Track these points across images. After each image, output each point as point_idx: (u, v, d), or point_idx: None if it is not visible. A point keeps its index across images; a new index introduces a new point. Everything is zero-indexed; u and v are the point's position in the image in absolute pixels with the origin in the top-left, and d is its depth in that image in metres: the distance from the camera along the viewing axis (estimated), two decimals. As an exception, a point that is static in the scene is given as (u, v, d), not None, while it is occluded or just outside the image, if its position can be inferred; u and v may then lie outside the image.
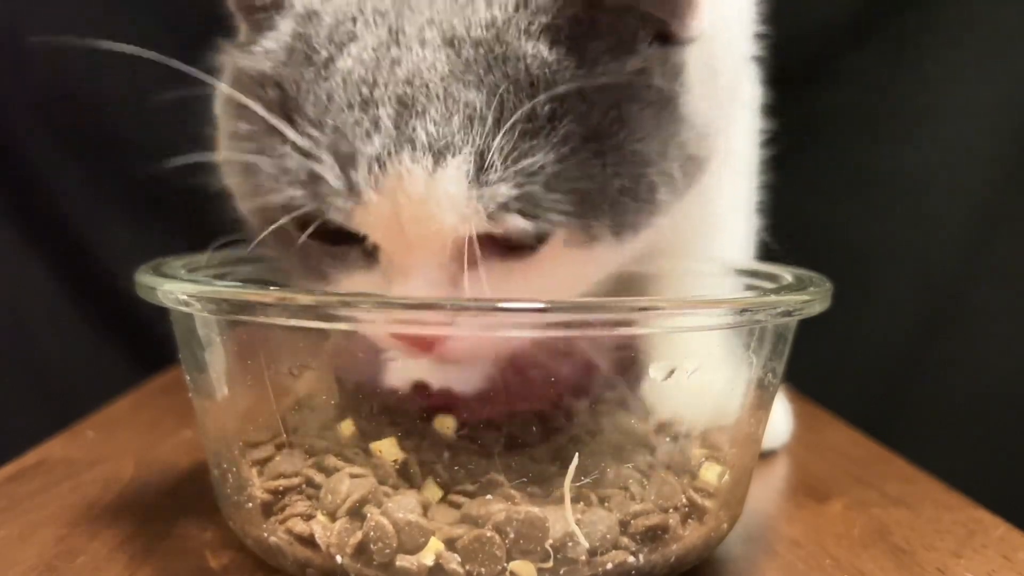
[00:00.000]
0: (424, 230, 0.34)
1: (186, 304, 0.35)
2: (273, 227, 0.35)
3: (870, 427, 0.65)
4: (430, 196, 0.33)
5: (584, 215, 0.35)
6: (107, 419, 0.64)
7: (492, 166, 0.33)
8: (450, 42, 0.34)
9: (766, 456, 0.57)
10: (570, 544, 0.34)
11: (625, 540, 0.35)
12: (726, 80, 0.42)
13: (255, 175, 0.36)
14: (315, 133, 0.34)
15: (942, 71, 0.82)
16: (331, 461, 0.37)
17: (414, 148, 0.33)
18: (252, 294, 0.33)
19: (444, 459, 0.37)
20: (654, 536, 0.36)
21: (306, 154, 0.34)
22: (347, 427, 0.39)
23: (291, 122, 0.35)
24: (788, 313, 0.36)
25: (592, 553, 0.34)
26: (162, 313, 0.38)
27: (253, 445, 0.39)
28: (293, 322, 0.32)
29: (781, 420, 0.58)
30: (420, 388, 0.42)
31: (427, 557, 0.33)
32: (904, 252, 0.84)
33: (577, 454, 0.35)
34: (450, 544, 0.34)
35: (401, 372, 0.41)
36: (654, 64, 0.36)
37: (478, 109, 0.33)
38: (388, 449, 0.37)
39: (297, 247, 0.37)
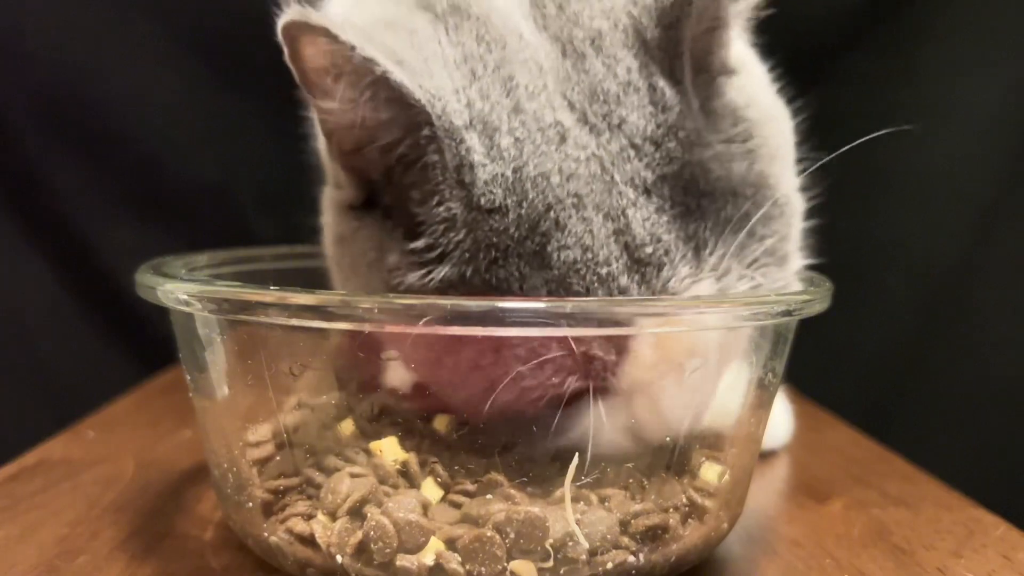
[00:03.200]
0: (685, 357, 0.36)
1: (186, 304, 0.35)
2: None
3: (870, 427, 0.65)
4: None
5: (788, 260, 0.39)
6: (107, 419, 0.64)
7: (730, 272, 0.36)
8: (648, 192, 0.36)
9: (766, 456, 0.57)
10: (570, 544, 0.34)
11: (625, 540, 0.35)
12: (758, 71, 0.44)
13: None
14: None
15: (942, 71, 0.82)
16: (331, 461, 0.37)
17: (668, 294, 0.36)
18: (252, 294, 0.33)
19: (444, 459, 0.37)
20: (654, 536, 0.36)
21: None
22: (347, 427, 0.39)
23: None
24: (788, 313, 0.36)
25: (592, 553, 0.34)
26: (162, 313, 0.38)
27: (253, 445, 0.39)
28: (293, 322, 0.32)
29: (782, 420, 0.58)
30: (420, 388, 0.42)
31: (427, 557, 0.33)
32: (904, 252, 0.84)
33: (577, 454, 0.35)
34: (450, 544, 0.34)
35: (402, 371, 0.41)
36: (740, 102, 0.39)
37: (701, 235, 0.36)
38: (389, 449, 0.37)
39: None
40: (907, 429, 0.76)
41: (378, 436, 0.37)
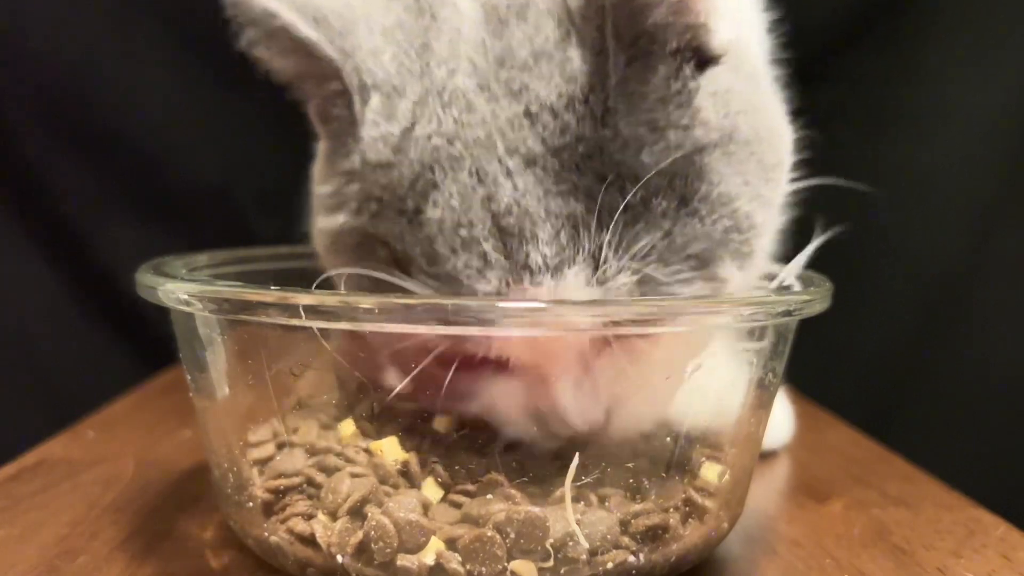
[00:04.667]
0: (558, 340, 0.35)
1: (187, 304, 0.35)
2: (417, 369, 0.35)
3: (870, 427, 0.65)
4: None
5: (704, 269, 0.36)
6: (107, 419, 0.64)
7: (606, 262, 0.34)
8: (532, 161, 0.35)
9: (766, 456, 0.57)
10: (570, 544, 0.34)
11: (625, 540, 0.35)
12: (766, 82, 0.42)
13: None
14: (432, 283, 0.35)
15: (942, 71, 0.82)
16: (332, 461, 0.37)
17: (531, 272, 0.34)
18: (252, 294, 0.33)
19: (444, 459, 0.37)
20: (654, 536, 0.36)
21: None
22: (347, 427, 0.39)
23: (408, 274, 0.36)
24: (788, 313, 0.36)
25: (592, 553, 0.34)
26: (162, 313, 0.38)
27: (253, 445, 0.39)
28: (294, 322, 0.32)
29: (782, 421, 0.58)
30: (420, 388, 0.42)
31: (428, 556, 0.33)
32: (904, 252, 0.84)
33: (577, 454, 0.35)
34: (451, 544, 0.34)
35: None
36: (706, 103, 0.36)
37: (580, 216, 0.34)
38: (389, 449, 0.37)
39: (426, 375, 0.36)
40: (907, 429, 0.76)
41: (378, 436, 0.37)
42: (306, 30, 0.36)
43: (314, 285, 0.37)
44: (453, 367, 0.35)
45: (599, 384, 0.36)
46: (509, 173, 0.35)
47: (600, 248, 0.34)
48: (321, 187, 0.40)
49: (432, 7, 0.38)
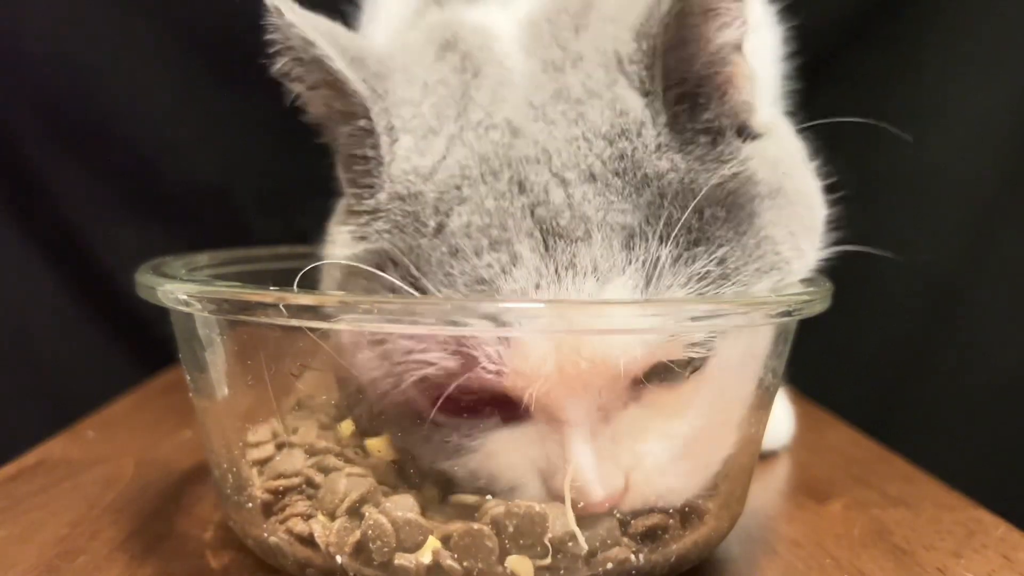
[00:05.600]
0: (592, 366, 0.32)
1: (186, 304, 0.35)
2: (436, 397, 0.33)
3: (870, 427, 0.65)
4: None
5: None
6: (107, 419, 0.64)
7: (662, 275, 0.33)
8: (592, 177, 0.34)
9: (766, 456, 0.57)
10: (570, 543, 0.34)
11: (625, 540, 0.35)
12: (798, 151, 0.42)
13: (390, 355, 0.34)
14: (446, 292, 0.34)
15: (942, 71, 0.82)
16: (331, 461, 0.37)
17: (574, 274, 0.33)
18: (252, 294, 0.33)
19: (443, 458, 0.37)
20: (654, 536, 0.35)
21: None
22: (347, 427, 0.39)
23: (420, 291, 0.34)
24: (788, 313, 0.36)
25: (591, 553, 0.34)
26: (162, 313, 0.38)
27: (253, 445, 0.39)
28: (293, 322, 0.32)
29: (782, 421, 0.58)
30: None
31: (425, 555, 0.33)
32: (904, 252, 0.84)
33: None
34: (447, 542, 0.34)
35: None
36: (755, 158, 0.37)
37: (638, 228, 0.34)
38: (388, 449, 0.37)
39: (426, 425, 0.35)
40: (907, 429, 0.75)
41: (378, 436, 0.37)
42: (340, 64, 0.36)
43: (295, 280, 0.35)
44: (465, 409, 0.34)
45: (620, 439, 0.34)
46: (564, 183, 0.34)
47: (656, 261, 0.33)
48: (342, 227, 0.39)
49: (476, 67, 0.39)
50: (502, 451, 0.35)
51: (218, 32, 0.87)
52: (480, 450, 0.35)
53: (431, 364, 0.33)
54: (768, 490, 0.52)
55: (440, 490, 0.36)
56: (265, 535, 0.37)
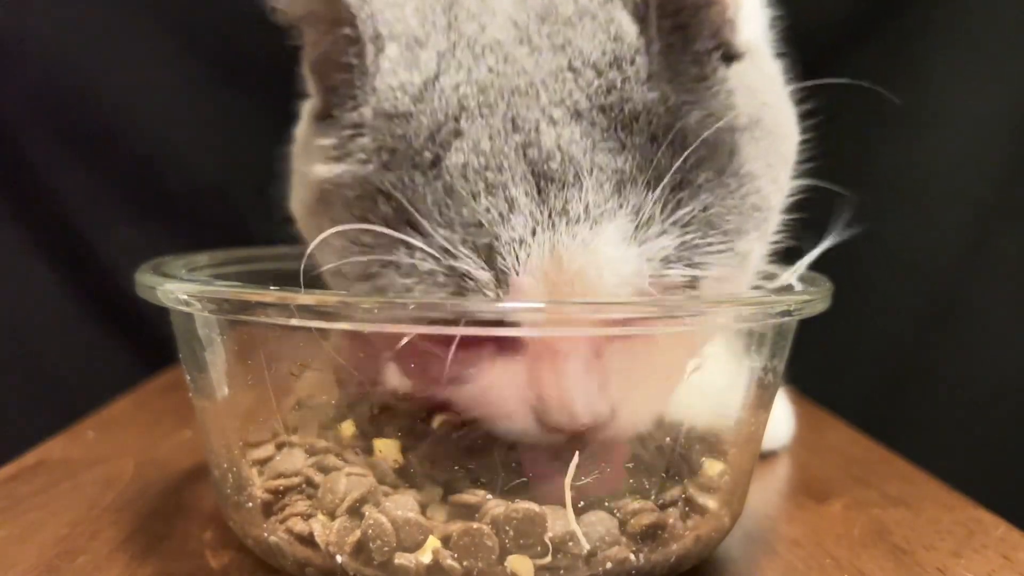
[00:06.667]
0: (571, 319, 0.33)
1: (186, 304, 0.35)
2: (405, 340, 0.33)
3: (870, 427, 0.65)
4: (590, 263, 0.33)
5: (733, 242, 0.36)
6: (107, 419, 0.64)
7: (652, 221, 0.33)
8: (578, 115, 0.34)
9: (766, 456, 0.57)
10: (570, 543, 0.34)
11: (625, 539, 0.35)
12: (780, 83, 0.42)
13: (382, 287, 0.35)
14: (444, 232, 0.34)
15: (942, 71, 0.82)
16: (331, 461, 0.37)
17: (567, 220, 0.33)
18: (252, 294, 0.33)
19: (443, 459, 0.37)
20: (653, 535, 0.36)
21: (443, 252, 0.33)
22: (348, 427, 0.39)
23: (415, 228, 0.34)
24: (788, 313, 0.36)
25: (592, 552, 0.34)
26: (162, 313, 0.38)
27: (253, 445, 0.39)
28: (294, 322, 0.32)
29: (782, 421, 0.58)
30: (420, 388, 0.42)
31: (425, 555, 0.33)
32: (904, 252, 0.84)
33: (577, 453, 0.35)
34: (447, 541, 0.34)
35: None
36: (736, 86, 0.37)
37: (628, 172, 0.33)
38: (389, 449, 0.37)
39: (422, 357, 0.35)
40: (907, 429, 0.75)
41: (378, 436, 0.37)
42: None
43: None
44: (454, 344, 0.33)
45: (608, 373, 0.35)
46: (553, 122, 0.34)
47: (645, 207, 0.33)
48: (319, 140, 0.38)
49: None
50: (496, 383, 0.35)
51: (218, 32, 0.87)
52: (475, 380, 0.35)
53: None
54: (768, 490, 0.52)
55: (440, 490, 0.36)
56: (265, 535, 0.37)
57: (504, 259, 0.33)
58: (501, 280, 0.33)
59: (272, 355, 0.37)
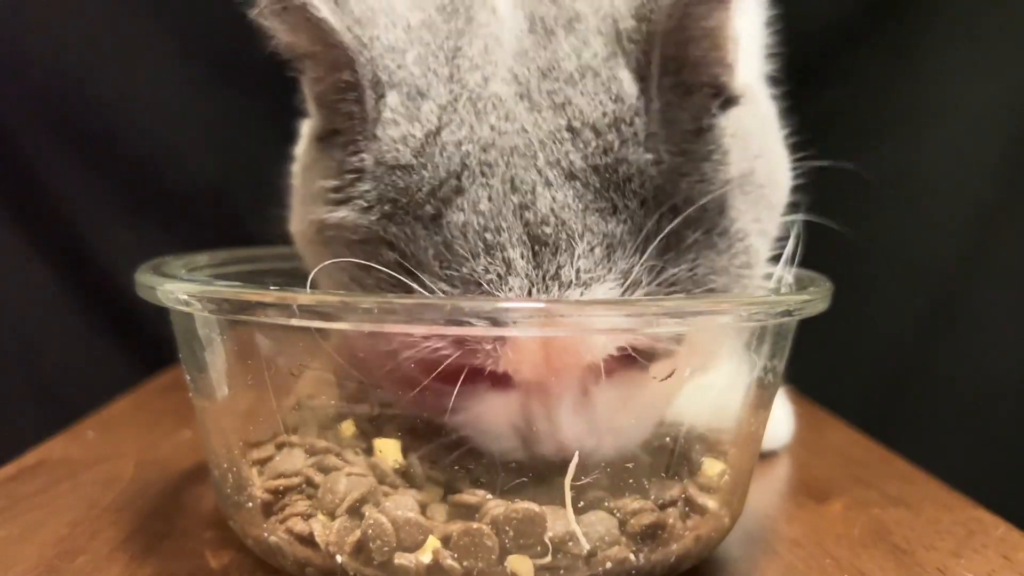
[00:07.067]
0: (574, 355, 0.34)
1: (186, 304, 0.35)
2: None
3: (870, 427, 0.65)
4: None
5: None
6: (107, 419, 0.64)
7: (638, 284, 0.34)
8: (572, 176, 0.34)
9: (766, 456, 0.57)
10: (570, 543, 0.34)
11: (624, 539, 0.35)
12: (774, 127, 0.43)
13: (383, 338, 0.35)
14: (444, 287, 0.34)
15: (942, 71, 0.82)
16: (331, 461, 0.37)
17: (561, 284, 0.34)
18: (252, 294, 0.33)
19: (443, 459, 0.37)
20: (653, 535, 0.36)
21: None
22: (348, 427, 0.39)
23: (415, 279, 0.35)
24: (788, 313, 0.36)
25: (592, 552, 0.34)
26: (162, 313, 0.38)
27: (253, 445, 0.39)
28: (293, 322, 0.32)
29: (782, 421, 0.58)
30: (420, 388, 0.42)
31: (425, 555, 0.33)
32: (904, 252, 0.84)
33: (577, 453, 0.35)
34: (447, 542, 0.34)
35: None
36: (732, 140, 0.37)
37: (618, 236, 0.34)
38: (389, 450, 0.37)
39: (417, 389, 0.36)
40: (907, 429, 0.76)
41: (378, 436, 0.37)
42: (325, 11, 0.35)
43: (308, 282, 0.37)
44: (458, 380, 0.34)
45: (596, 408, 0.36)
46: (548, 184, 0.34)
47: (631, 270, 0.34)
48: (321, 181, 0.38)
49: (468, 9, 0.38)
50: (488, 414, 0.37)
51: (218, 32, 0.87)
52: (469, 411, 0.36)
53: (428, 349, 0.34)
54: (768, 490, 0.52)
55: (440, 490, 0.36)
56: (265, 535, 0.37)
57: (501, 320, 0.33)
58: (498, 339, 0.33)
59: (272, 355, 0.37)
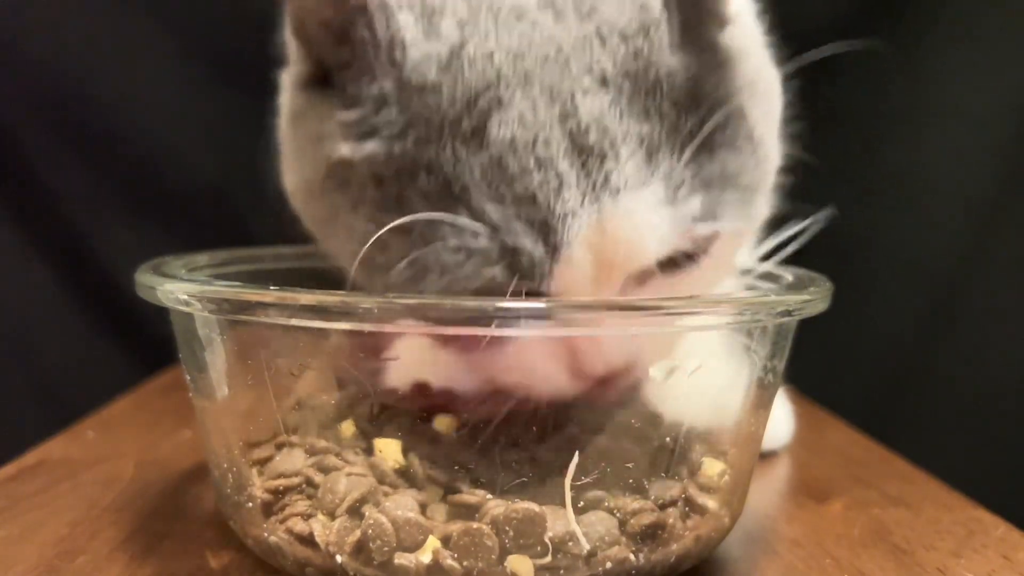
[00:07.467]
0: (623, 266, 0.35)
1: (186, 304, 0.35)
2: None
3: (870, 427, 0.65)
4: (634, 231, 0.34)
5: (752, 197, 0.38)
6: (107, 419, 0.64)
7: (681, 184, 0.35)
8: (605, 82, 0.35)
9: (766, 456, 0.57)
10: (570, 543, 0.34)
11: (624, 539, 0.35)
12: (761, 42, 0.43)
13: (418, 266, 0.35)
14: (495, 207, 0.34)
15: (942, 71, 0.82)
16: (331, 461, 0.37)
17: (609, 191, 0.34)
18: (252, 294, 0.33)
19: (444, 459, 0.37)
20: (653, 535, 0.36)
21: (494, 228, 0.34)
22: (348, 427, 0.39)
23: (461, 203, 0.34)
24: (788, 313, 0.36)
25: (592, 552, 0.34)
26: (162, 313, 0.38)
27: (253, 445, 0.39)
28: (294, 322, 0.32)
29: (783, 421, 0.58)
30: (420, 388, 0.42)
31: (425, 555, 0.33)
32: (904, 252, 0.84)
33: (577, 453, 0.35)
34: (447, 542, 0.34)
35: (402, 371, 0.41)
36: (735, 55, 0.38)
37: (656, 139, 0.34)
38: (389, 450, 0.37)
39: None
40: (907, 429, 0.75)
41: (378, 436, 0.37)
42: None
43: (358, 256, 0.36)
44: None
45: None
46: (585, 92, 0.34)
47: (675, 170, 0.34)
48: (341, 114, 0.37)
49: None
50: (532, 349, 0.37)
51: (218, 32, 0.87)
52: (513, 345, 0.36)
53: (483, 278, 0.34)
54: (768, 490, 0.52)
55: (440, 490, 0.36)
56: (265, 535, 0.37)
57: (557, 234, 0.34)
58: (554, 255, 0.34)
59: (272, 355, 0.37)
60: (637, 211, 0.34)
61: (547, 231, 0.34)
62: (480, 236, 0.34)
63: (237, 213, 0.90)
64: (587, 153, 0.34)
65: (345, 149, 0.37)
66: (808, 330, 0.40)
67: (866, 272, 0.81)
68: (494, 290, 0.34)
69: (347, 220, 0.37)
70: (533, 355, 0.37)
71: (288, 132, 0.42)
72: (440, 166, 0.34)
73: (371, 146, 0.36)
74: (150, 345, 0.86)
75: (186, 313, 0.37)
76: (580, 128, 0.34)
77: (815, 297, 0.37)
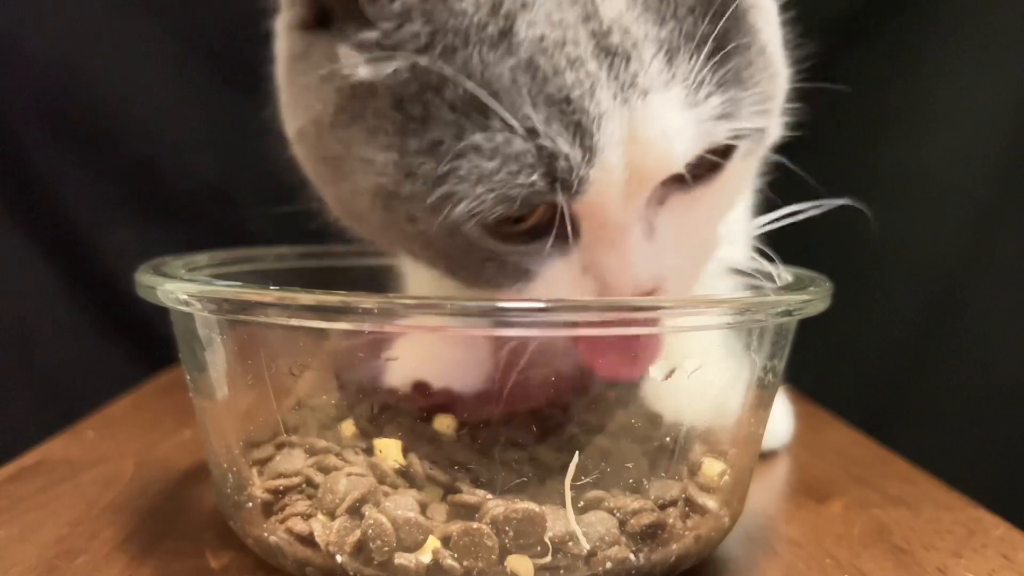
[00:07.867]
0: (654, 172, 0.35)
1: (186, 304, 0.35)
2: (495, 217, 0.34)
3: (870, 427, 0.65)
4: (662, 132, 0.34)
5: (767, 105, 0.38)
6: (107, 419, 0.64)
7: (703, 83, 0.35)
8: None
9: (766, 456, 0.57)
10: (570, 543, 0.34)
11: (624, 539, 0.35)
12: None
13: (450, 183, 0.34)
14: (529, 110, 0.33)
15: (942, 71, 0.82)
16: (331, 461, 0.37)
17: (637, 92, 0.34)
18: (252, 294, 0.33)
19: (444, 459, 0.37)
20: (653, 535, 0.36)
21: (529, 132, 0.33)
22: (348, 427, 0.39)
23: (494, 111, 0.33)
24: (788, 313, 0.36)
25: (591, 552, 0.34)
26: (162, 313, 0.38)
27: (253, 445, 0.39)
28: (294, 322, 0.32)
29: (782, 421, 0.58)
30: (420, 388, 0.43)
31: (425, 555, 0.33)
32: (904, 252, 0.84)
33: (577, 453, 0.35)
34: (447, 541, 0.34)
35: (402, 371, 0.41)
36: None
37: (674, 42, 0.34)
38: (390, 451, 0.37)
39: (478, 254, 0.37)
40: (907, 429, 0.76)
41: (378, 436, 0.37)
42: None
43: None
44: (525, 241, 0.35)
45: (661, 241, 0.37)
46: None
47: (696, 70, 0.34)
48: (360, 34, 0.36)
49: None
50: (560, 275, 0.37)
51: (218, 33, 0.87)
52: (540, 276, 0.37)
53: (520, 185, 0.34)
54: (768, 490, 0.52)
55: (440, 490, 0.36)
56: (265, 535, 0.37)
57: (592, 136, 0.34)
58: (590, 157, 0.34)
59: (272, 355, 0.37)
60: (664, 113, 0.34)
61: (582, 133, 0.33)
62: (516, 140, 0.33)
63: (237, 213, 0.90)
64: (612, 54, 0.34)
65: (364, 71, 0.36)
66: (808, 330, 0.40)
67: (866, 272, 0.81)
68: (531, 199, 0.34)
69: (362, 153, 0.36)
70: (566, 288, 0.37)
71: (288, 76, 0.41)
72: (469, 74, 0.34)
73: (394, 64, 0.35)
74: (150, 345, 0.86)
75: (186, 313, 0.37)
76: (602, 28, 0.34)
77: (815, 297, 0.37)
